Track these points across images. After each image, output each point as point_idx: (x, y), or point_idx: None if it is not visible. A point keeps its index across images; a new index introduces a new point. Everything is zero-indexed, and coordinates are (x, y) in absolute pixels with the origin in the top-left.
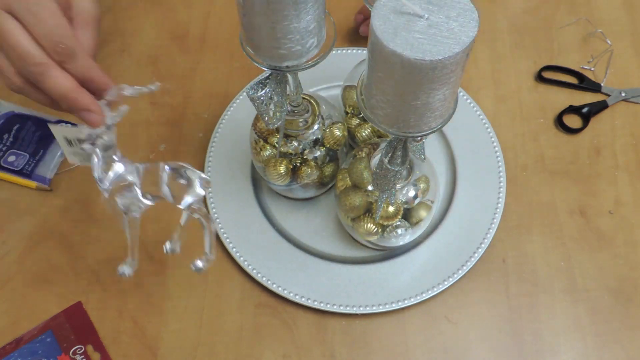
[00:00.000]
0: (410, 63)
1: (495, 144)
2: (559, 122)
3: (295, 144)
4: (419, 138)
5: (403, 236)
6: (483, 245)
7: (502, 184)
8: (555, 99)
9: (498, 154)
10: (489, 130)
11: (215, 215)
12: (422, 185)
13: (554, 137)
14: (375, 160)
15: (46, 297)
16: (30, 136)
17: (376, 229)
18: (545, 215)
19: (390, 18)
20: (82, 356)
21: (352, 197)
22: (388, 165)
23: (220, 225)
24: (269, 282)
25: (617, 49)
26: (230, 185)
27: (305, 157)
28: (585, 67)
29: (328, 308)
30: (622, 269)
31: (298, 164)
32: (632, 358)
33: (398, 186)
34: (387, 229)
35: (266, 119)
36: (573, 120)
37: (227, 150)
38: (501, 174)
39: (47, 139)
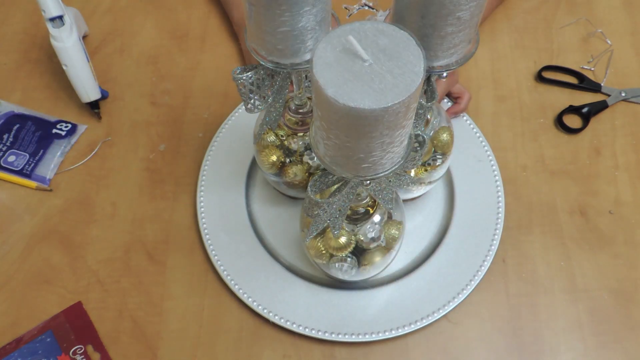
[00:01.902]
0: (328, 100)
1: (496, 175)
2: (559, 122)
3: (300, 142)
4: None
5: (347, 272)
6: (479, 273)
7: (498, 181)
8: (555, 99)
9: (498, 182)
10: (478, 134)
11: (204, 220)
12: (392, 231)
13: (554, 137)
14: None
15: (46, 297)
16: (30, 136)
17: (325, 252)
18: (545, 215)
19: (336, 49)
20: (82, 356)
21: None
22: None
23: (206, 231)
24: (250, 299)
25: (617, 49)
26: (223, 186)
27: (301, 157)
28: (585, 67)
29: (306, 333)
30: (622, 269)
31: (289, 161)
32: (632, 358)
33: (377, 218)
34: (332, 259)
35: (247, 105)
36: (573, 120)
37: (226, 151)
38: (496, 173)
39: (47, 139)
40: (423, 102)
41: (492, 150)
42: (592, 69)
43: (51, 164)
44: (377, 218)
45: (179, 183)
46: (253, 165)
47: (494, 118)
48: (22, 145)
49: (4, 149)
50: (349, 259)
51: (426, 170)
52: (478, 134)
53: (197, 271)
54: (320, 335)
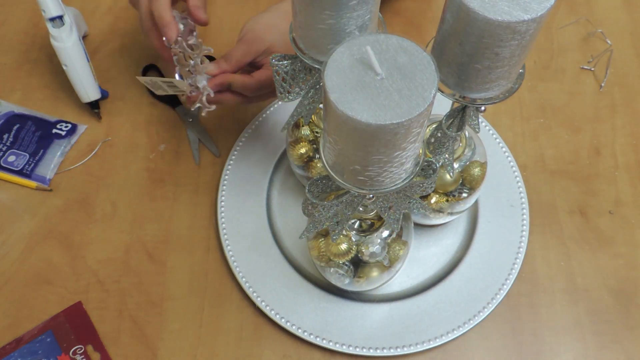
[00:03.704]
0: (330, 103)
1: (522, 194)
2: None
3: None
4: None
5: (339, 279)
6: (480, 314)
7: (524, 232)
8: (556, 98)
9: (523, 200)
10: (517, 178)
11: (224, 225)
12: (397, 249)
13: (553, 137)
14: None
15: (46, 297)
16: (30, 136)
17: (324, 254)
18: (545, 215)
19: (351, 57)
20: (82, 356)
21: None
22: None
23: (224, 232)
24: (260, 299)
25: (617, 49)
26: (245, 189)
27: None
28: (585, 67)
29: (319, 343)
30: (622, 269)
31: (316, 157)
32: (632, 358)
33: (385, 234)
34: (329, 263)
35: (279, 93)
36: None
37: (250, 154)
38: (524, 222)
39: (47, 139)
40: (450, 132)
41: (526, 195)
42: (592, 69)
43: (51, 164)
44: (384, 234)
45: (179, 183)
46: (276, 168)
47: (494, 118)
48: (22, 145)
49: (4, 149)
50: (345, 267)
51: (447, 200)
52: (517, 177)
53: (197, 271)
54: (323, 343)
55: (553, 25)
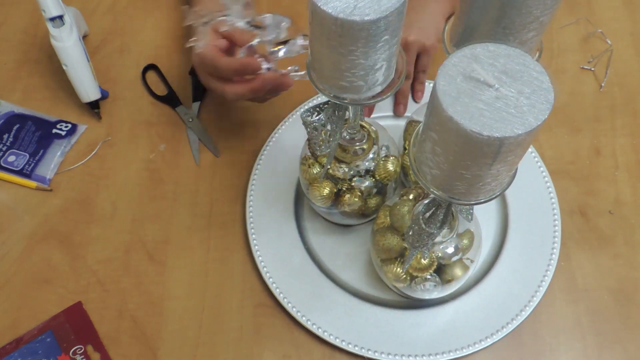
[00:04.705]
0: (466, 134)
1: (555, 210)
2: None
3: (345, 169)
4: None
5: (430, 291)
6: (518, 318)
7: (553, 259)
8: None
9: (557, 222)
10: (549, 190)
11: (251, 219)
12: (464, 242)
13: (554, 137)
14: (418, 208)
15: (46, 297)
16: (30, 136)
17: (405, 276)
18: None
19: (456, 80)
20: (82, 356)
21: (388, 238)
22: (423, 226)
23: (254, 236)
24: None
25: (617, 49)
26: (272, 195)
27: (352, 184)
28: (585, 67)
29: (337, 343)
30: (622, 269)
31: (343, 189)
32: (632, 358)
33: (437, 239)
34: (416, 280)
35: (316, 144)
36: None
37: (274, 166)
38: (555, 249)
39: (47, 139)
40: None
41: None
42: (592, 69)
43: (51, 164)
44: (450, 232)
45: (179, 183)
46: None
47: None
48: (22, 145)
49: (4, 149)
50: (429, 277)
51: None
52: (551, 192)
53: (197, 271)
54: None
55: (553, 25)
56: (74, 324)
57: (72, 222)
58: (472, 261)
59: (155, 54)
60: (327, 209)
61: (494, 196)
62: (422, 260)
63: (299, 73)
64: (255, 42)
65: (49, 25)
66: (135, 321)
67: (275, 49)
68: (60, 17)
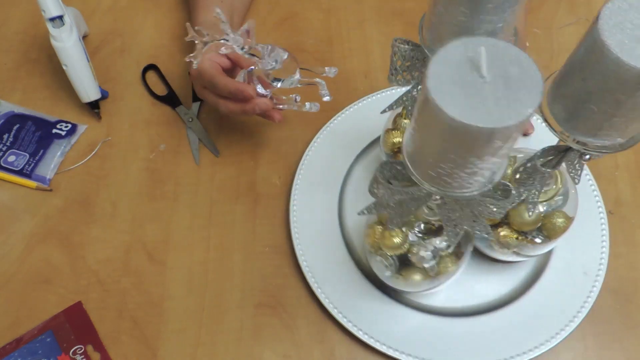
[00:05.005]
0: (433, 103)
1: (601, 209)
2: None
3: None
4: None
5: (382, 270)
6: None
7: (604, 253)
8: None
9: (603, 219)
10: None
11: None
12: (448, 263)
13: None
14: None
15: (46, 297)
16: (30, 136)
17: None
18: None
19: (455, 57)
20: (82, 356)
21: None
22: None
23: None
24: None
25: None
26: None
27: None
28: None
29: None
30: (622, 269)
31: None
32: (632, 358)
33: (442, 245)
34: (380, 252)
35: (390, 74)
36: None
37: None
38: (604, 242)
39: (47, 139)
40: (540, 166)
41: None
42: None
43: (51, 164)
44: (441, 244)
45: (179, 183)
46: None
47: None
48: (22, 145)
49: (4, 149)
50: (390, 260)
51: (517, 238)
52: (604, 243)
53: (197, 271)
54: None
55: (553, 25)
56: (74, 324)
57: (72, 222)
58: (437, 281)
59: (155, 54)
60: (388, 158)
61: (479, 188)
62: (395, 239)
63: (297, 102)
64: (255, 68)
65: (49, 25)
66: (135, 321)
67: (273, 80)
68: (60, 17)
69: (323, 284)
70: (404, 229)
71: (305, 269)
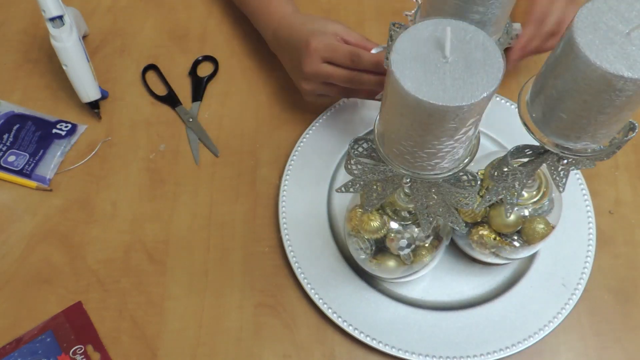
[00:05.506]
0: (393, 77)
1: (590, 220)
2: None
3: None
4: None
5: (358, 253)
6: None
7: (591, 247)
8: None
9: (581, 282)
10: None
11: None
12: (423, 253)
13: None
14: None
15: (46, 297)
16: (30, 136)
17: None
18: None
19: (423, 35)
20: (82, 356)
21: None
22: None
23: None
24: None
25: None
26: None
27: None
28: None
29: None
30: (622, 269)
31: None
32: (632, 358)
33: (419, 235)
34: (358, 235)
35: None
36: None
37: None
38: (589, 256)
39: (47, 139)
40: (512, 165)
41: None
42: None
43: (51, 164)
44: (418, 234)
45: (179, 183)
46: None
47: None
48: (22, 145)
49: (4, 149)
50: (367, 243)
51: (495, 239)
52: (590, 252)
53: (197, 271)
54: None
55: None
56: (74, 324)
57: (72, 222)
58: (412, 270)
59: (155, 54)
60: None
61: (443, 172)
62: (373, 223)
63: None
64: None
65: (49, 25)
66: (135, 321)
67: None
68: (60, 17)
69: (315, 283)
70: (384, 216)
71: (297, 271)
